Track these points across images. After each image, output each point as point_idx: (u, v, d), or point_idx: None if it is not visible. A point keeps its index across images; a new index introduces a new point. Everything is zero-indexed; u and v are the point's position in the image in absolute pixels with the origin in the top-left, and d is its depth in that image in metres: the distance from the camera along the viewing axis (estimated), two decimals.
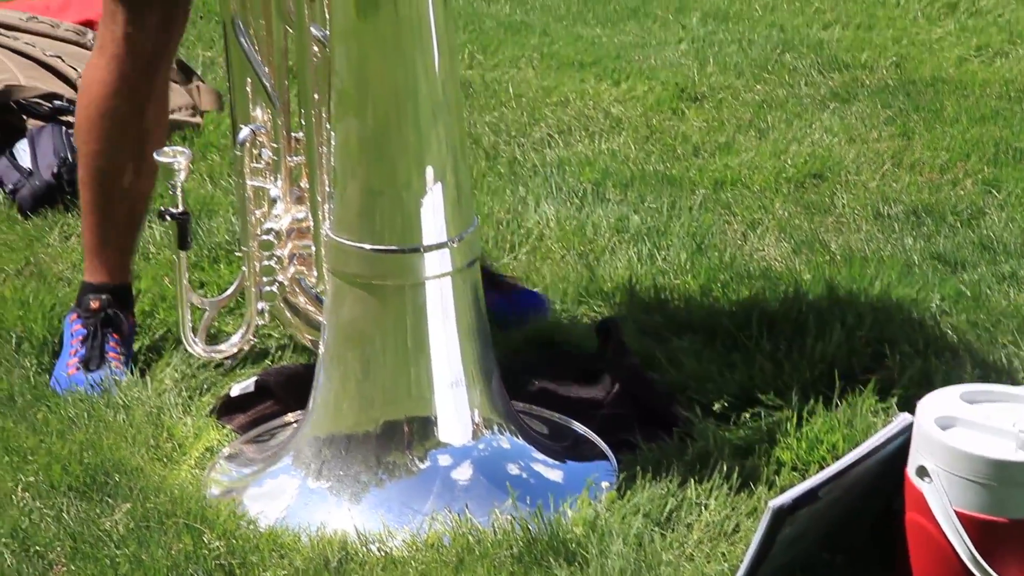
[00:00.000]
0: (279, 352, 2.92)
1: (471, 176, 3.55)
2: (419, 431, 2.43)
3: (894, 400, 2.66)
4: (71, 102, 3.92)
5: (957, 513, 2.14)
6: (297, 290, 2.62)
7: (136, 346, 2.96)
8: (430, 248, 2.39)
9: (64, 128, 3.82)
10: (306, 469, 2.46)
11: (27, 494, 2.45)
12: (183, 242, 2.60)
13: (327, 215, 2.46)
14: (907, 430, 2.26)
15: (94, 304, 2.89)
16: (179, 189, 2.57)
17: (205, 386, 2.79)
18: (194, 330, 2.68)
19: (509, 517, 2.35)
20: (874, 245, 3.43)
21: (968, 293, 3.13)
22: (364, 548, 2.31)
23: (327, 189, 2.46)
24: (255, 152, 2.58)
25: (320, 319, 2.56)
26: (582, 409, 2.71)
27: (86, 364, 2.82)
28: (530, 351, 2.95)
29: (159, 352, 2.93)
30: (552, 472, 2.51)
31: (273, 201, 2.58)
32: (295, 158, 2.56)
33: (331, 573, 2.26)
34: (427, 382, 2.43)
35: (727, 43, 5.00)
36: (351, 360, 2.46)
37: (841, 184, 3.80)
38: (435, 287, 2.41)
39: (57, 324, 2.97)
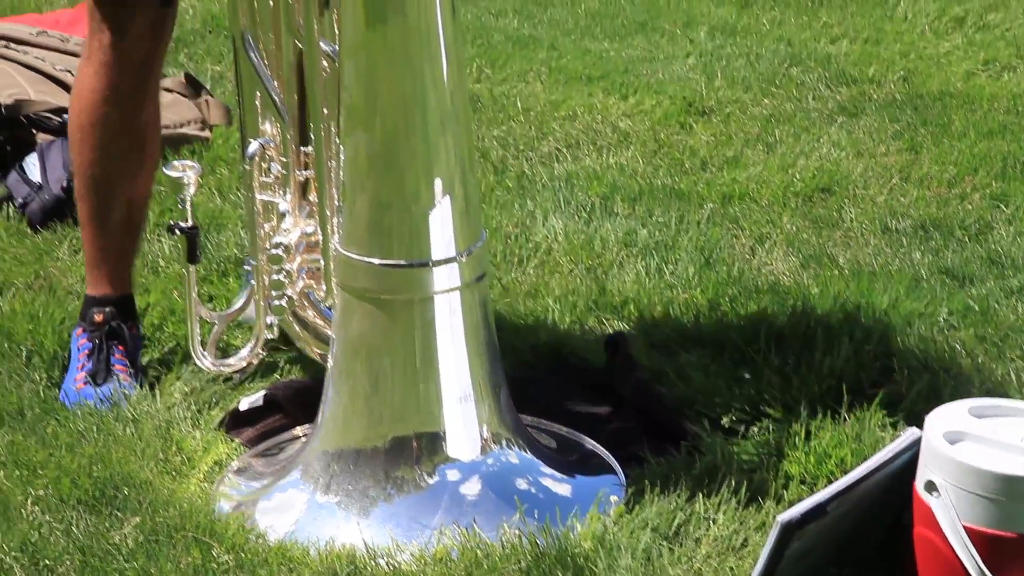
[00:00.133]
0: (288, 366, 2.93)
1: (479, 190, 3.56)
2: (428, 446, 2.44)
3: (902, 415, 2.66)
4: None
5: (966, 528, 2.14)
6: (306, 304, 2.63)
7: (145, 359, 2.97)
8: (438, 262, 2.39)
9: None
10: (315, 483, 2.46)
11: (37, 508, 2.45)
12: (192, 256, 2.60)
13: (336, 229, 2.46)
14: (915, 445, 2.26)
15: (98, 317, 2.90)
16: (188, 203, 2.57)
17: (214, 400, 2.80)
18: (203, 344, 2.68)
19: (517, 531, 2.35)
20: (882, 259, 3.43)
21: (976, 307, 3.13)
22: (373, 562, 2.31)
23: (336, 203, 2.46)
24: (264, 166, 2.59)
25: (329, 333, 2.56)
26: (590, 423, 2.71)
27: (93, 378, 2.83)
28: (538, 365, 2.95)
29: (168, 366, 2.94)
30: (560, 486, 2.51)
31: (282, 215, 2.59)
32: (304, 172, 2.57)
33: None
34: (436, 397, 2.44)
35: (735, 57, 5.00)
36: (360, 374, 2.46)
37: (849, 198, 3.80)
38: (444, 301, 2.42)
39: (67, 338, 2.98)
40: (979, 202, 3.76)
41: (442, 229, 2.39)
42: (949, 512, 2.15)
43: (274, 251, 2.55)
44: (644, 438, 2.64)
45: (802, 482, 2.51)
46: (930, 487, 2.18)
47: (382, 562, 2.31)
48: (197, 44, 5.24)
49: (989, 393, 2.75)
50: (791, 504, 2.36)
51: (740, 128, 4.34)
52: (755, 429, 2.67)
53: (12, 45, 4.38)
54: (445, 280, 2.40)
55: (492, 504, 2.41)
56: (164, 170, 2.55)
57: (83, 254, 3.05)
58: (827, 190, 3.86)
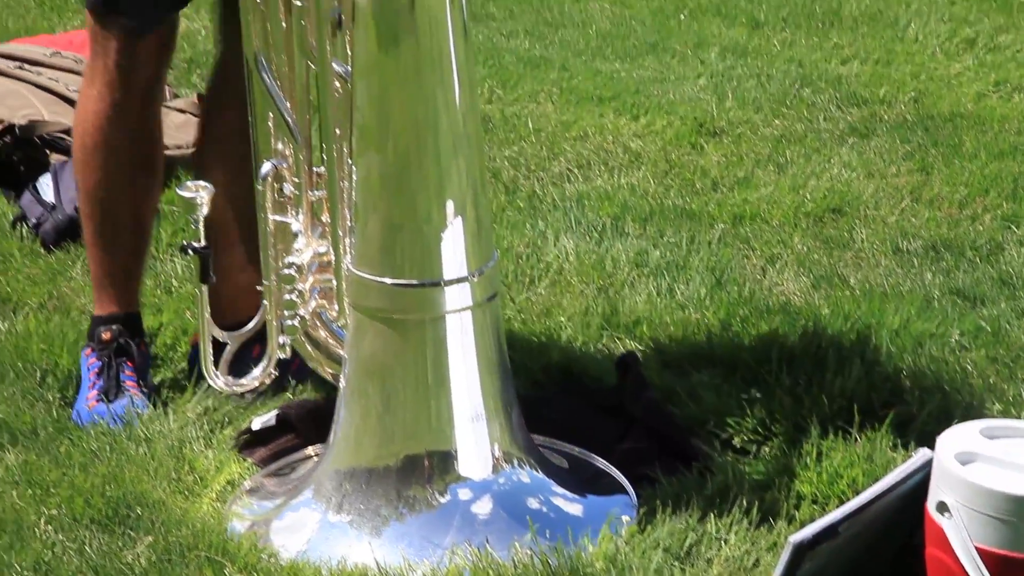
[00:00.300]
0: (300, 386, 2.93)
1: (491, 210, 3.56)
2: (439, 465, 2.44)
3: (914, 435, 2.66)
4: None
5: (977, 549, 2.14)
6: (318, 324, 2.64)
7: (157, 379, 2.98)
8: (450, 282, 2.40)
9: None
10: (327, 503, 2.47)
11: (50, 527, 2.46)
12: (205, 276, 2.60)
13: (348, 249, 2.47)
14: (927, 466, 2.26)
15: (105, 336, 2.91)
16: (201, 223, 2.58)
17: (227, 419, 2.80)
18: (215, 364, 2.69)
19: (529, 551, 2.35)
20: (893, 280, 3.43)
21: (988, 328, 3.13)
22: None
23: (348, 223, 2.47)
24: (277, 187, 2.60)
25: (341, 353, 2.57)
26: (602, 443, 2.71)
27: (106, 395, 2.83)
28: (549, 385, 2.96)
29: (181, 385, 2.94)
30: (572, 506, 2.51)
31: (294, 235, 2.60)
32: (316, 192, 2.58)
33: None
34: (447, 416, 2.44)
35: (746, 78, 5.01)
36: (372, 394, 2.47)
37: (860, 219, 3.80)
38: (455, 321, 2.42)
39: (80, 354, 2.99)
40: (990, 223, 3.76)
41: (454, 249, 2.40)
42: (961, 533, 2.15)
43: (286, 271, 2.56)
44: (655, 458, 2.64)
45: (814, 502, 2.51)
46: (942, 508, 2.18)
47: None
48: (210, 65, 5.25)
49: (1001, 414, 2.75)
50: (803, 524, 2.36)
51: (751, 149, 4.34)
52: (766, 449, 2.67)
53: (26, 66, 4.40)
54: (457, 300, 2.41)
55: (504, 523, 2.41)
56: (177, 191, 2.56)
57: None
58: (838, 211, 3.86)
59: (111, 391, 2.84)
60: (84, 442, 2.70)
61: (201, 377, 2.73)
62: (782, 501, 2.50)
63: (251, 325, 2.74)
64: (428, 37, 2.32)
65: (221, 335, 2.72)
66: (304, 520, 2.47)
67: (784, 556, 2.12)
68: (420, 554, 2.37)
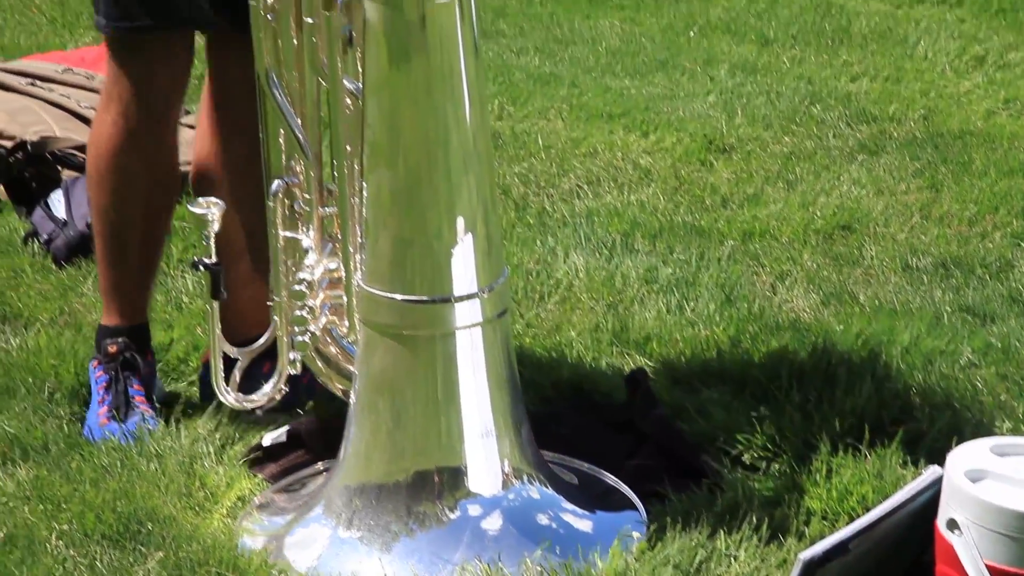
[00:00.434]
0: (310, 402, 2.93)
1: (501, 226, 3.57)
2: (449, 481, 2.44)
3: (923, 452, 2.66)
4: None
5: (988, 566, 2.14)
6: (329, 340, 2.64)
7: (168, 391, 2.99)
8: (460, 298, 2.41)
9: None
10: (337, 518, 2.47)
11: (61, 542, 2.46)
12: (216, 292, 2.61)
13: (359, 266, 2.48)
14: (937, 483, 2.27)
15: (112, 349, 2.91)
16: (212, 239, 2.58)
17: (237, 435, 2.81)
18: (226, 379, 2.69)
19: (539, 567, 2.35)
20: (903, 297, 3.43)
21: (998, 345, 3.13)
22: None
23: (359, 240, 2.48)
24: (287, 203, 2.60)
25: (351, 369, 2.57)
26: (611, 459, 2.71)
27: (116, 412, 2.83)
28: (559, 401, 2.96)
29: (192, 401, 2.95)
30: (582, 522, 2.52)
31: (305, 252, 2.60)
32: (327, 209, 2.58)
33: None
34: (457, 432, 2.45)
35: (755, 95, 5.02)
36: (382, 410, 2.47)
37: (869, 236, 3.81)
38: (465, 337, 2.43)
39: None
40: (1000, 240, 3.76)
41: (464, 265, 2.40)
42: (971, 550, 2.15)
43: (297, 287, 2.57)
44: (665, 474, 2.64)
45: (823, 518, 2.51)
46: (952, 525, 2.18)
47: None
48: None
49: (1011, 431, 2.75)
50: (813, 541, 2.36)
51: (760, 166, 4.35)
52: (776, 466, 2.67)
53: (38, 83, 4.42)
54: (467, 316, 2.41)
55: (514, 539, 2.42)
56: (189, 207, 2.56)
57: None
58: (847, 228, 3.86)
59: (121, 408, 2.84)
60: (95, 458, 2.71)
61: (212, 393, 2.73)
62: (792, 518, 2.50)
63: (261, 341, 2.75)
64: (439, 54, 2.33)
65: (232, 351, 2.73)
66: (314, 536, 2.47)
67: (794, 573, 2.12)
68: (430, 570, 2.37)
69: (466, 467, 2.45)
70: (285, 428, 2.79)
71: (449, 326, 2.41)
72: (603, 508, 2.57)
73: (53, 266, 3.65)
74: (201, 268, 2.60)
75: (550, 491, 2.53)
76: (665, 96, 5.06)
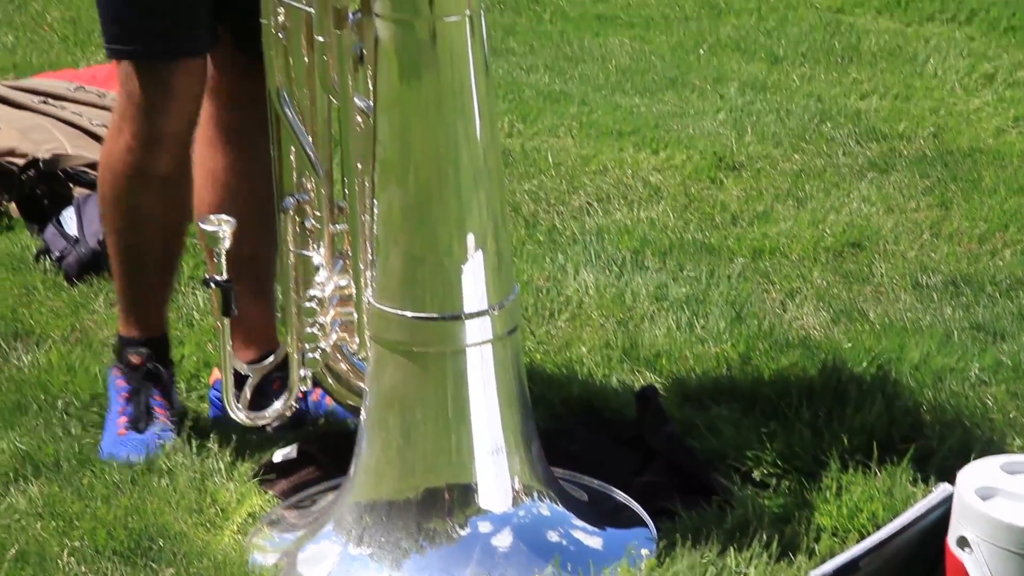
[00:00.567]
0: (321, 418, 2.94)
1: (511, 244, 3.58)
2: (460, 498, 2.45)
3: (934, 470, 2.66)
4: None
5: None
6: (339, 357, 2.65)
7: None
8: (471, 316, 2.41)
9: None
10: (347, 535, 2.47)
11: (72, 559, 2.47)
12: (227, 309, 2.61)
13: (369, 282, 2.48)
14: (947, 501, 2.26)
15: (135, 359, 2.91)
16: (223, 257, 2.59)
17: (248, 452, 2.81)
18: (237, 396, 2.70)
19: None
20: (913, 315, 3.43)
21: (1008, 363, 3.13)
22: None
23: (369, 257, 2.49)
24: (298, 220, 2.61)
25: (362, 385, 2.58)
26: (621, 476, 2.71)
27: (135, 424, 2.84)
28: (569, 418, 2.96)
29: (203, 418, 2.95)
30: (592, 539, 2.52)
31: (316, 269, 2.61)
32: (338, 226, 2.59)
33: None
34: (468, 449, 2.45)
35: (765, 113, 5.02)
36: (392, 426, 2.48)
37: (879, 254, 3.81)
38: (476, 354, 2.43)
39: (102, 389, 3.00)
40: (1010, 258, 3.76)
41: (474, 283, 2.41)
42: (982, 568, 2.15)
43: (308, 304, 2.57)
44: (675, 491, 2.64)
45: (834, 535, 2.51)
46: (962, 543, 2.18)
47: None
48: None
49: (1022, 449, 2.74)
50: (823, 559, 2.36)
51: (770, 183, 4.35)
52: (786, 483, 2.67)
53: (50, 100, 4.44)
54: (477, 333, 2.42)
55: (524, 556, 2.42)
56: (200, 224, 2.57)
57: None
58: (857, 245, 3.86)
59: (141, 420, 2.84)
60: (107, 474, 2.71)
61: (223, 410, 2.73)
62: (802, 535, 2.50)
63: (272, 358, 2.76)
64: (449, 71, 2.33)
65: (243, 368, 2.73)
66: (325, 552, 2.48)
67: None
68: None
69: (476, 484, 2.45)
70: (296, 445, 2.80)
71: (459, 343, 2.41)
72: (613, 525, 2.57)
73: (65, 283, 3.66)
74: (212, 285, 2.60)
75: (560, 508, 2.53)
76: (675, 114, 5.07)
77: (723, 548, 2.46)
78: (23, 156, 4.09)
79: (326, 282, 2.59)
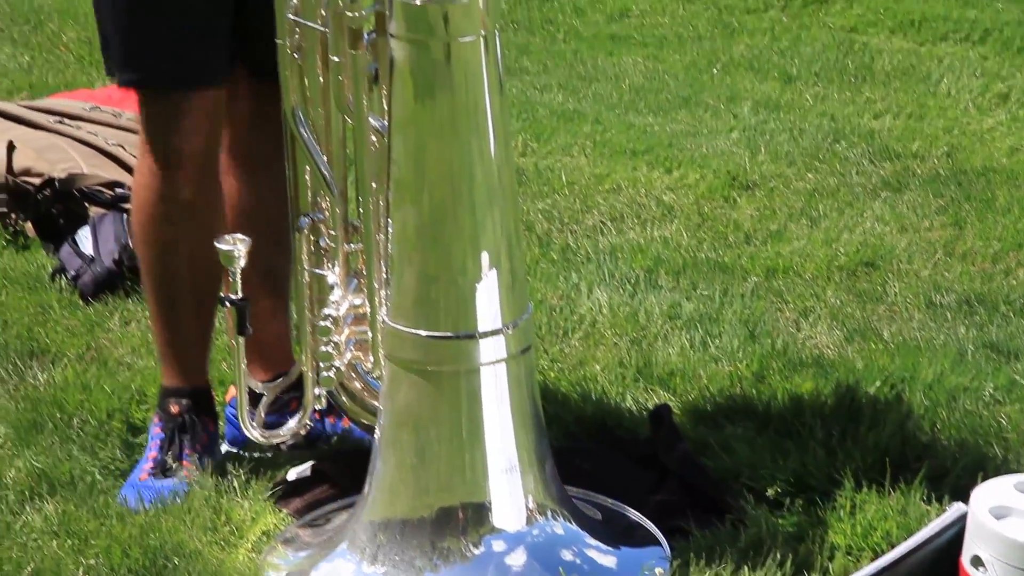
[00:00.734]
0: (335, 437, 2.95)
1: (525, 262, 3.58)
2: (473, 516, 2.45)
3: (947, 489, 2.65)
4: None
5: None
6: (354, 375, 2.65)
7: None
8: (485, 334, 2.41)
9: (125, 215, 3.87)
10: (361, 554, 2.48)
11: None
12: (242, 328, 2.62)
13: (384, 301, 2.49)
14: (961, 520, 2.26)
15: (174, 408, 2.87)
16: (238, 276, 2.59)
17: (262, 470, 2.82)
18: (252, 415, 2.70)
19: None
20: (926, 334, 3.43)
21: (1022, 382, 3.13)
22: None
23: (384, 276, 2.50)
24: (313, 239, 2.62)
25: (376, 404, 2.59)
26: (635, 495, 2.72)
27: (162, 469, 2.81)
28: (583, 436, 2.96)
29: (217, 436, 2.96)
30: (606, 558, 2.52)
31: (331, 287, 2.62)
32: (352, 245, 2.60)
33: None
34: (481, 468, 2.45)
35: (778, 132, 5.03)
36: (406, 445, 2.48)
37: (893, 273, 3.81)
38: (490, 373, 2.44)
39: (118, 406, 3.01)
40: (1023, 277, 3.77)
41: (488, 301, 2.41)
42: None
43: (322, 323, 2.58)
44: (689, 510, 2.64)
45: (847, 553, 2.50)
46: (976, 562, 2.18)
47: None
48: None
49: None
50: None
51: (784, 202, 4.36)
52: (800, 502, 2.67)
53: (66, 120, 4.46)
54: (491, 352, 2.42)
55: (537, 575, 2.42)
56: (215, 243, 2.58)
57: (137, 326, 3.08)
58: (871, 264, 3.87)
59: (167, 468, 2.81)
60: None
61: (238, 427, 2.74)
62: (816, 554, 2.50)
63: (286, 377, 2.77)
64: (464, 91, 2.34)
65: (257, 386, 2.74)
66: (339, 571, 2.48)
67: None
68: None
69: (490, 503, 2.45)
70: (310, 463, 2.80)
71: (473, 362, 2.42)
72: (627, 544, 2.58)
73: (80, 302, 3.67)
74: (227, 304, 2.61)
75: (574, 527, 2.53)
76: (688, 133, 5.07)
77: (737, 567, 2.46)
78: (39, 176, 4.11)
79: (341, 301, 2.59)
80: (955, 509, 2.32)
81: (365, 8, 2.41)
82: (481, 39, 2.33)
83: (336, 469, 2.79)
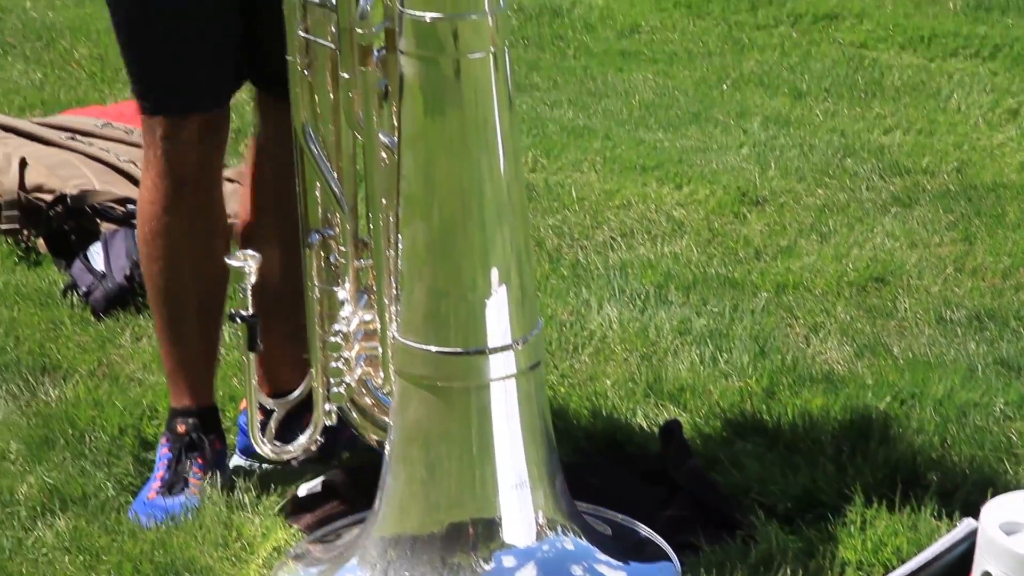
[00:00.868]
0: (346, 452, 2.95)
1: (535, 278, 3.59)
2: (484, 532, 2.45)
3: (958, 505, 2.65)
4: None
5: None
6: (364, 391, 2.66)
7: None
8: (495, 350, 2.42)
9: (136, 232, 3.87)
10: (372, 569, 2.48)
11: None
12: (252, 344, 2.63)
13: (394, 317, 2.49)
14: (971, 535, 2.26)
15: (180, 428, 2.88)
16: (249, 292, 2.60)
17: (273, 486, 2.82)
18: (262, 430, 2.71)
19: None
20: (937, 349, 3.43)
21: None
22: None
23: (394, 291, 2.50)
24: (323, 255, 2.63)
25: (386, 420, 2.59)
26: (645, 510, 2.72)
27: (168, 488, 2.82)
28: (593, 452, 2.97)
29: (228, 451, 2.96)
30: (616, 573, 2.52)
31: (341, 303, 2.62)
32: (362, 261, 2.61)
33: None
34: (492, 483, 2.45)
35: (788, 148, 5.03)
36: (417, 461, 2.48)
37: (903, 288, 3.81)
38: (500, 389, 2.44)
39: (129, 422, 3.02)
40: None
41: (498, 317, 2.42)
42: None
43: (333, 339, 2.59)
44: (699, 526, 2.64)
45: (858, 569, 2.50)
46: None
47: None
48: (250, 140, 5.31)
49: None
50: None
51: (794, 218, 4.36)
52: (810, 517, 2.67)
53: (78, 137, 4.47)
54: (501, 367, 2.43)
55: None
56: (226, 259, 2.59)
57: (148, 341, 3.08)
58: (881, 280, 3.86)
59: (175, 486, 2.82)
60: None
61: (249, 443, 2.75)
62: (826, 569, 2.50)
63: (297, 393, 2.77)
64: (474, 107, 2.35)
65: (268, 403, 2.75)
66: None
67: None
68: None
69: (500, 518, 2.46)
70: (320, 479, 2.81)
71: (483, 378, 2.42)
72: (637, 559, 2.58)
73: (92, 318, 3.68)
74: (238, 321, 2.62)
75: (584, 542, 2.53)
76: (698, 149, 5.07)
77: None
78: (51, 192, 4.12)
79: (351, 317, 2.60)
80: (965, 525, 2.32)
81: (375, 25, 2.42)
82: (491, 55, 2.33)
83: (347, 485, 2.79)
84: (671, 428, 2.93)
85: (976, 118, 5.38)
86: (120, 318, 3.66)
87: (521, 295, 2.43)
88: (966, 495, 2.68)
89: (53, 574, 2.54)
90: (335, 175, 2.57)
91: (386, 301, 2.52)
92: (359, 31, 2.41)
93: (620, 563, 2.54)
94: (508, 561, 2.45)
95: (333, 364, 2.58)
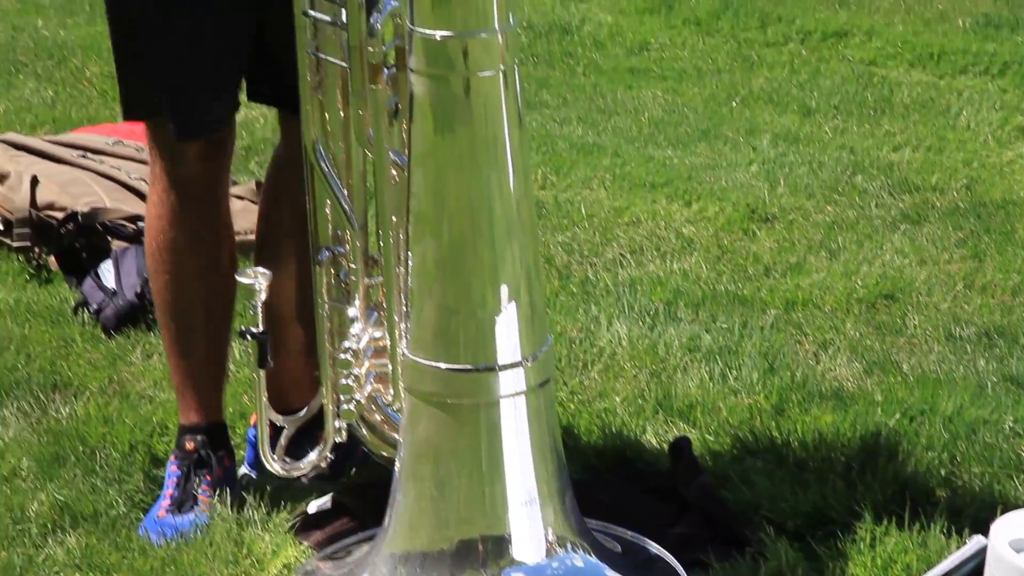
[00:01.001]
0: (355, 469, 2.95)
1: (545, 295, 3.59)
2: (493, 549, 2.45)
3: (967, 522, 2.65)
4: None
5: None
6: (374, 408, 2.66)
7: None
8: (504, 367, 2.42)
9: None
10: None
11: None
12: (263, 361, 2.63)
13: (403, 334, 2.50)
14: (981, 553, 2.26)
15: (189, 445, 2.88)
16: (259, 309, 2.61)
17: (283, 502, 2.83)
18: (272, 447, 2.71)
19: None
20: (946, 366, 3.43)
21: None
22: None
23: (404, 309, 2.51)
24: (334, 273, 2.64)
25: (396, 437, 2.59)
26: (655, 527, 2.72)
27: (178, 506, 2.82)
28: (603, 469, 2.97)
29: (237, 466, 2.97)
30: None
31: (351, 320, 2.63)
32: (372, 278, 2.61)
33: None
34: (501, 500, 2.45)
35: (797, 165, 5.03)
36: (426, 478, 2.48)
37: (912, 305, 3.81)
38: (509, 406, 2.44)
39: (140, 439, 3.03)
40: None
41: (508, 334, 2.42)
42: None
43: (343, 356, 2.59)
44: (708, 543, 2.64)
45: None
46: None
47: None
48: (267, 152, 5.33)
49: None
50: None
51: (803, 235, 4.36)
52: (819, 534, 2.67)
53: (89, 154, 4.49)
54: (511, 384, 2.43)
55: None
56: (236, 277, 2.59)
57: (159, 358, 3.07)
58: (890, 297, 3.87)
59: (185, 504, 2.83)
60: None
61: (259, 460, 2.75)
62: None
63: (307, 410, 2.77)
64: (484, 125, 2.36)
65: (278, 419, 2.75)
66: None
67: None
68: None
69: (510, 535, 2.46)
70: (330, 495, 2.81)
71: (493, 395, 2.42)
72: None
73: (102, 335, 3.69)
74: (248, 337, 2.63)
75: (594, 559, 2.53)
76: (707, 166, 5.08)
77: None
78: (62, 210, 4.13)
79: (361, 334, 2.60)
80: (975, 542, 2.32)
81: (385, 43, 2.43)
82: (500, 73, 2.34)
83: (356, 502, 2.80)
84: (680, 445, 2.93)
85: (985, 135, 5.38)
86: (131, 335, 3.67)
87: (531, 312, 2.44)
88: (975, 512, 2.68)
89: None
90: (345, 192, 2.58)
91: (396, 318, 2.53)
92: (369, 49, 2.42)
93: None
94: None
95: (343, 381, 2.59)
